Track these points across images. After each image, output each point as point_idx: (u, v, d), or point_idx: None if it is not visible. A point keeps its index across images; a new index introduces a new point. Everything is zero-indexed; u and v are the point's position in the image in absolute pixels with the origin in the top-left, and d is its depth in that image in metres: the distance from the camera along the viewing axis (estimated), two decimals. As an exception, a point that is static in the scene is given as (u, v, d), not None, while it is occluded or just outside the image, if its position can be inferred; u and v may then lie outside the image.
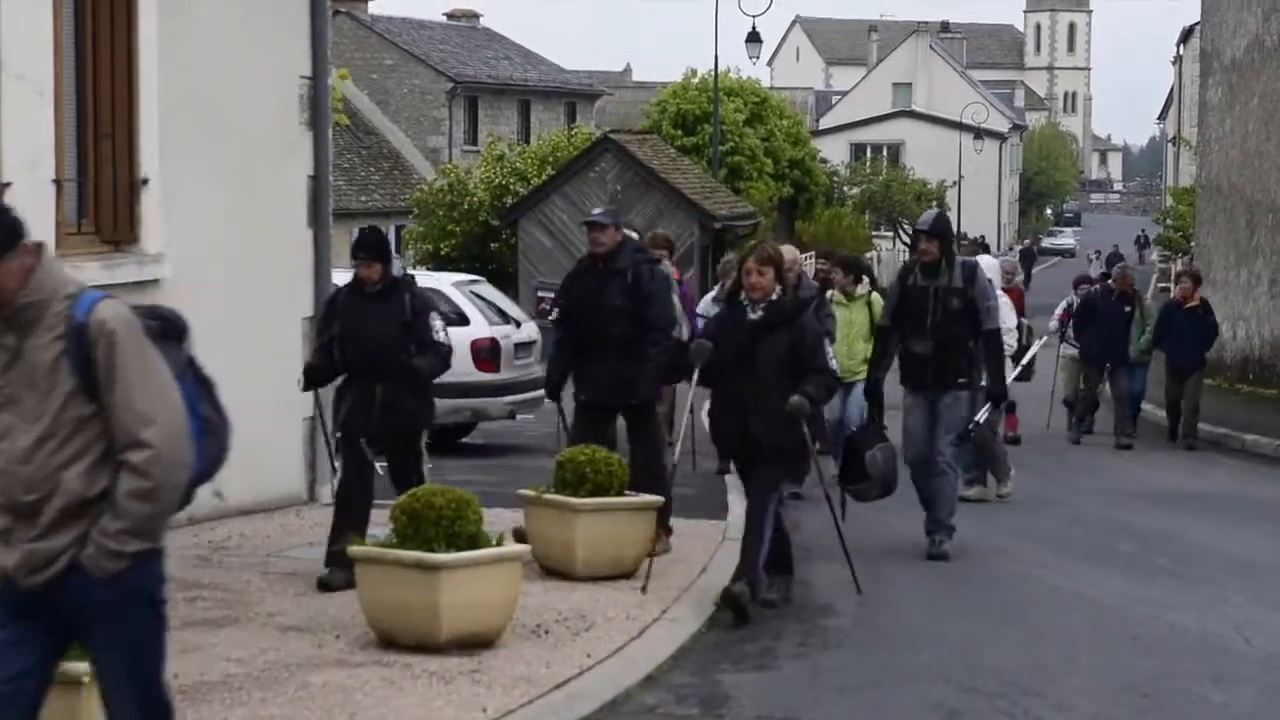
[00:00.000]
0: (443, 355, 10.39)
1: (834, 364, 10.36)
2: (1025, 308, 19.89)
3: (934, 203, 69.99)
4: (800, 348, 10.09)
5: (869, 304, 15.67)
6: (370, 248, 10.38)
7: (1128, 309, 20.39)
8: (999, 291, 15.49)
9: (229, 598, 9.92)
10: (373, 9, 57.37)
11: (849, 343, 15.34)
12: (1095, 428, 21.39)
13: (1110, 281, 21.56)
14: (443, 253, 36.32)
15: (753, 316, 10.16)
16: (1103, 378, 20.61)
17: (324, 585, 10.07)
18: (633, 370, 11.37)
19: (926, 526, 12.41)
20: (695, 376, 10.42)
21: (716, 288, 16.36)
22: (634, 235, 15.84)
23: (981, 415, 12.89)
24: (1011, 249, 74.25)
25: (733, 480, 14.89)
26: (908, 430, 12.46)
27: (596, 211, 12.10)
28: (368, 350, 10.23)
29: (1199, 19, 34.83)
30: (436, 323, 10.39)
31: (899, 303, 12.48)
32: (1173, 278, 21.69)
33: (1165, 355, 20.54)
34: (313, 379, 10.77)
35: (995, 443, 15.93)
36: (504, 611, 8.89)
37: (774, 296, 10.18)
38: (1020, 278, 21.34)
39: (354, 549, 8.97)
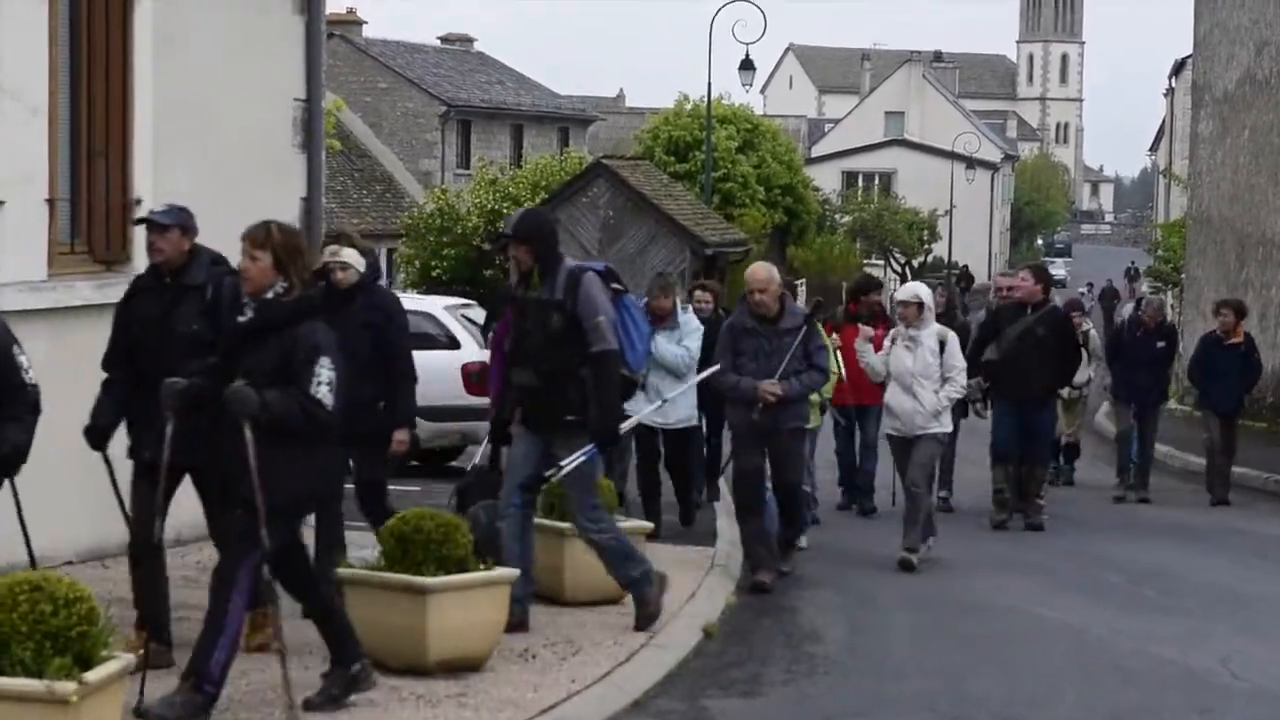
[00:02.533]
0: (30, 403, 7.67)
1: (324, 392, 7.47)
2: None
3: (925, 232, 70.21)
4: (291, 364, 7.51)
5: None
6: None
7: (1160, 344, 18.57)
8: (936, 325, 13.59)
9: (216, 618, 9.90)
10: (367, 32, 57.52)
11: None
12: (1075, 476, 20.13)
13: (1140, 313, 19.47)
14: (434, 274, 36.41)
15: (241, 318, 7.78)
16: (1132, 418, 18.66)
17: None
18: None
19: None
20: None
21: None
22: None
23: (572, 461, 9.78)
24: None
25: (722, 505, 14.86)
26: (509, 465, 10.05)
27: (158, 210, 8.91)
28: None
29: (1191, 52, 34.96)
30: (23, 359, 7.70)
31: (514, 325, 10.16)
32: (1213, 310, 18.70)
33: (1204, 397, 18.71)
34: None
35: (925, 498, 13.47)
36: (491, 635, 8.90)
37: (272, 294, 7.63)
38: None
39: (342, 571, 8.94)
